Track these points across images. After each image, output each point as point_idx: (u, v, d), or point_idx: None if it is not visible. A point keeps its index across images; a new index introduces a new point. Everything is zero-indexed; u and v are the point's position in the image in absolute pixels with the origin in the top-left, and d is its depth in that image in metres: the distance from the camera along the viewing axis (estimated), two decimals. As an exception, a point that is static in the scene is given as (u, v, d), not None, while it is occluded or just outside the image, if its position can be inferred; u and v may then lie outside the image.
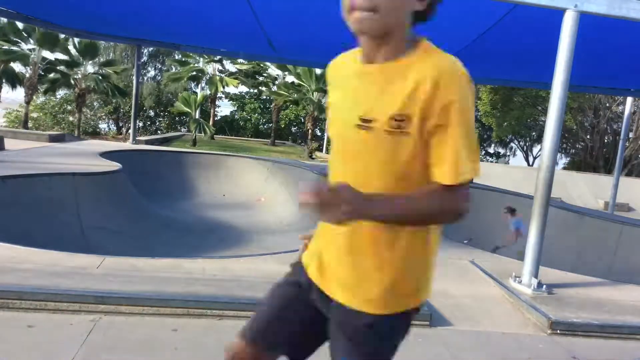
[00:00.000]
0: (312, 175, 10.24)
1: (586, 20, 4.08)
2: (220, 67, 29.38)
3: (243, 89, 36.29)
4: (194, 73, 29.01)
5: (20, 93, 24.25)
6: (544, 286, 4.22)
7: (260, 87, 34.44)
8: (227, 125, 36.74)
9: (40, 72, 23.87)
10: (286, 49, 10.94)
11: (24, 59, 22.53)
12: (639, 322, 3.71)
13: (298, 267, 1.53)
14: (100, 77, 25.16)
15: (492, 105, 29.08)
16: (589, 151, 29.27)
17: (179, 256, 4.57)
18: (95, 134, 31.41)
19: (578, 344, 3.35)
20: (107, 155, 9.36)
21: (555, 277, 4.71)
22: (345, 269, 1.30)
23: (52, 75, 24.75)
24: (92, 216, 6.78)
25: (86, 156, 8.96)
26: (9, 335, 2.66)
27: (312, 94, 25.74)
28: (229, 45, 12.41)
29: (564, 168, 31.47)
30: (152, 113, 37.92)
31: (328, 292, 1.36)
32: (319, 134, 35.19)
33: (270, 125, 34.45)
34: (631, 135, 26.11)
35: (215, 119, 32.10)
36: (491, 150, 40.07)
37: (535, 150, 35.93)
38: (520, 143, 37.45)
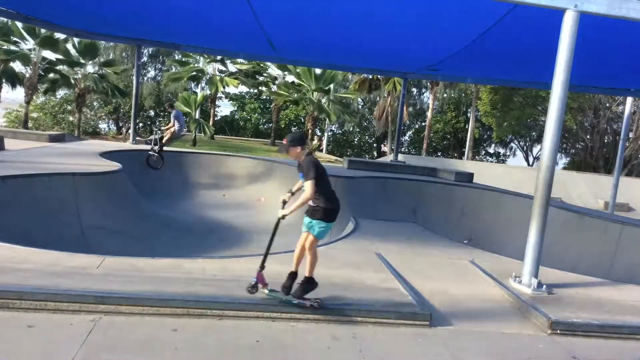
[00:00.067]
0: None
1: (586, 20, 4.09)
2: (221, 67, 29.38)
3: (243, 89, 36.32)
4: (194, 73, 29.01)
5: (20, 93, 24.26)
6: (544, 286, 4.22)
7: (260, 87, 34.45)
8: (227, 125, 36.76)
9: (40, 72, 23.88)
10: (286, 49, 10.95)
11: (24, 59, 22.53)
12: (639, 322, 3.71)
13: None
14: (100, 77, 25.17)
15: (492, 105, 29.09)
16: (589, 151, 29.27)
17: (179, 256, 4.57)
18: (95, 134, 31.42)
19: (578, 344, 3.35)
20: (107, 155, 9.36)
21: (555, 277, 4.71)
22: None
23: (52, 75, 24.76)
24: (92, 216, 6.78)
25: (86, 156, 8.95)
26: (9, 335, 2.66)
27: (312, 93, 25.73)
28: (229, 45, 12.42)
29: (564, 168, 31.47)
30: (152, 113, 37.94)
31: None
32: (319, 134, 35.22)
33: (270, 125, 34.46)
34: (631, 135, 26.11)
35: (215, 119, 32.10)
36: (491, 150, 40.09)
37: (535, 150, 35.94)
38: (520, 143, 37.47)
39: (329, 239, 7.43)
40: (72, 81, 25.39)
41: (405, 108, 20.64)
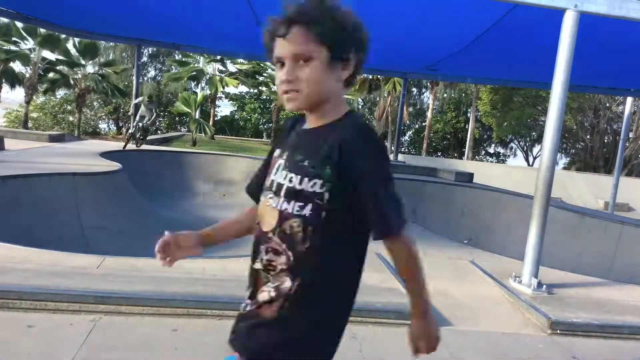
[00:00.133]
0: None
1: (586, 20, 4.09)
2: (221, 67, 29.38)
3: (243, 89, 36.30)
4: (194, 73, 29.00)
5: (20, 93, 24.26)
6: (544, 286, 4.22)
7: (260, 87, 34.45)
8: (227, 125, 36.76)
9: (40, 72, 23.88)
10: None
11: (24, 58, 22.53)
12: (639, 322, 3.71)
13: None
14: (100, 77, 25.17)
15: (492, 105, 29.09)
16: (589, 151, 29.27)
17: (179, 256, 4.55)
18: (95, 134, 31.42)
19: (578, 344, 3.35)
20: (107, 155, 9.36)
21: (555, 277, 4.71)
22: None
23: (52, 75, 24.76)
24: (92, 216, 6.78)
25: (86, 156, 8.95)
26: (9, 335, 2.66)
27: (312, 94, 25.72)
28: (229, 45, 12.41)
29: (564, 168, 31.47)
30: (152, 113, 37.85)
31: None
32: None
33: (270, 125, 34.46)
34: (631, 135, 26.11)
35: (215, 119, 32.10)
36: (491, 150, 40.09)
37: (535, 150, 35.93)
38: (520, 143, 37.46)
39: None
40: (72, 81, 25.39)
41: (405, 108, 20.64)
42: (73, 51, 24.00)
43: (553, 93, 4.19)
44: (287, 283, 1.22)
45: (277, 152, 1.38)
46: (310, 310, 1.23)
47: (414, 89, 37.75)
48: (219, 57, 27.14)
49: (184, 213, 9.37)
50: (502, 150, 39.47)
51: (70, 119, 30.85)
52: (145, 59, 36.26)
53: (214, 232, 1.67)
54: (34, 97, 26.36)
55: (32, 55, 22.71)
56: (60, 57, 23.87)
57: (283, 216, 1.22)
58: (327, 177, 1.17)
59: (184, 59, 29.42)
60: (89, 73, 25.42)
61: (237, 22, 8.31)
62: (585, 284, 4.75)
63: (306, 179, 1.19)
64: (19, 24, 19.91)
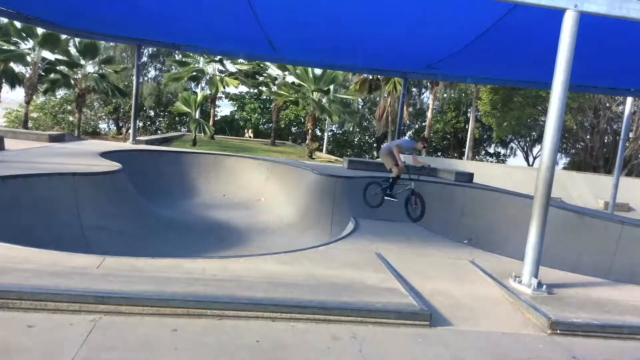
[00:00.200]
0: (312, 175, 10.25)
1: (586, 20, 4.09)
2: (221, 67, 29.39)
3: (243, 89, 36.34)
4: (194, 73, 29.03)
5: (20, 93, 24.28)
6: (544, 286, 4.22)
7: (260, 87, 34.47)
8: (227, 125, 36.78)
9: (41, 72, 23.89)
10: (286, 49, 10.95)
11: (23, 59, 22.54)
12: (639, 322, 3.71)
13: None
14: (100, 77, 25.18)
15: (492, 105, 29.10)
16: (589, 151, 29.28)
17: (179, 256, 4.57)
18: (95, 134, 31.43)
19: (578, 344, 3.35)
20: (107, 155, 9.37)
21: (555, 277, 4.71)
22: None
23: (52, 75, 24.77)
24: (92, 216, 6.79)
25: (86, 156, 8.96)
26: (9, 335, 2.66)
27: (312, 94, 25.73)
28: (229, 45, 12.42)
29: (564, 168, 31.48)
30: (152, 113, 37.96)
31: None
32: (319, 134, 35.22)
33: (270, 125, 34.47)
34: (631, 135, 26.12)
35: (215, 119, 32.11)
36: (491, 150, 40.10)
37: (535, 150, 35.95)
38: (520, 143, 37.48)
39: (329, 239, 7.45)
40: (72, 81, 25.41)
41: (405, 108, 20.65)
42: (73, 51, 24.03)
43: (553, 93, 4.19)
44: None
45: None
46: None
47: (414, 89, 37.78)
48: (218, 58, 27.17)
49: (184, 213, 9.37)
50: (502, 150, 39.51)
51: (70, 119, 30.88)
52: (145, 59, 36.29)
53: None
54: (34, 97, 26.39)
55: (31, 55, 22.72)
56: (61, 57, 23.88)
57: None
58: None
59: (184, 59, 29.45)
60: (89, 73, 25.44)
61: (238, 22, 8.31)
62: (585, 284, 4.75)
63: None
64: (17, 24, 19.92)
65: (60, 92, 29.23)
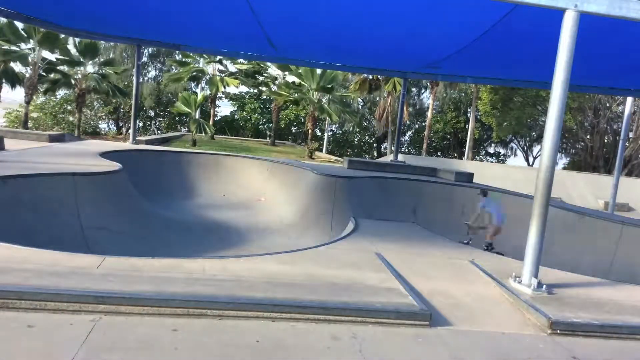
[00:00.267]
0: (312, 175, 10.25)
1: (587, 20, 4.09)
2: (221, 67, 29.40)
3: (243, 89, 36.36)
4: (194, 73, 29.03)
5: (20, 93, 24.28)
6: (544, 286, 4.22)
7: (260, 87, 34.48)
8: (227, 125, 36.79)
9: (41, 72, 23.89)
10: (286, 48, 10.95)
11: (23, 59, 22.53)
12: (639, 322, 3.71)
13: None
14: (100, 77, 25.19)
15: (492, 105, 29.11)
16: (589, 151, 29.29)
17: (179, 256, 4.57)
18: (95, 134, 31.43)
19: (578, 344, 3.35)
20: (107, 155, 9.36)
21: (555, 277, 4.71)
22: None
23: (52, 75, 24.77)
24: (92, 216, 6.78)
25: (86, 156, 8.95)
26: (9, 335, 2.66)
27: (313, 93, 25.73)
28: (229, 45, 12.42)
29: (564, 168, 31.48)
30: (152, 113, 37.97)
31: None
32: (319, 134, 35.23)
33: (270, 125, 34.48)
34: (631, 135, 26.12)
35: (215, 119, 32.11)
36: (491, 150, 40.10)
37: (535, 150, 35.95)
38: (520, 143, 37.49)
39: (329, 239, 7.45)
40: (73, 81, 25.41)
41: (405, 108, 20.66)
42: (73, 51, 24.03)
43: (553, 93, 4.19)
44: None
45: None
46: None
47: (414, 89, 37.79)
48: (218, 57, 27.18)
49: (184, 213, 9.37)
50: (502, 150, 39.52)
51: (70, 119, 30.88)
52: (145, 59, 36.29)
53: None
54: (34, 97, 26.39)
55: (32, 55, 22.73)
56: (61, 57, 23.88)
57: None
58: None
59: (184, 59, 29.46)
60: (89, 73, 25.45)
61: (237, 22, 8.32)
62: (585, 284, 4.75)
63: None
64: (18, 24, 19.92)
65: (60, 92, 29.23)
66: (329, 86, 25.17)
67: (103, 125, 36.28)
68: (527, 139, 35.72)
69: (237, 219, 9.35)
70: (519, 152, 38.26)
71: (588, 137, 29.79)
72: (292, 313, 3.24)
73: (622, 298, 4.34)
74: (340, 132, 40.47)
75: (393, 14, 7.01)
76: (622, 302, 4.20)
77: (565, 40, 4.09)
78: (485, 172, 17.77)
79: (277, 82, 31.78)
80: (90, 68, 25.60)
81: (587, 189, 19.61)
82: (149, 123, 37.28)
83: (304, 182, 10.36)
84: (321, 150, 31.81)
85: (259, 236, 8.68)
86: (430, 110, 31.47)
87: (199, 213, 9.56)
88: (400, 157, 15.14)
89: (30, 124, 26.26)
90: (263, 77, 32.51)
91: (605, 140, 28.95)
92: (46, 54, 23.70)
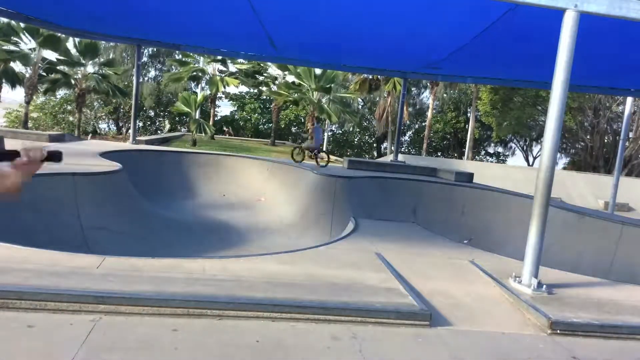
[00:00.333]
0: (312, 175, 10.25)
1: (587, 20, 4.09)
2: (221, 67, 29.39)
3: (243, 89, 36.35)
4: (194, 73, 29.02)
5: (20, 93, 24.28)
6: (544, 286, 4.22)
7: (260, 87, 34.48)
8: (227, 125, 36.80)
9: (41, 72, 23.89)
10: (287, 48, 10.95)
11: (24, 59, 22.53)
12: (639, 322, 3.71)
13: None
14: (100, 77, 25.19)
15: (492, 105, 29.11)
16: (589, 151, 29.29)
17: (179, 256, 4.57)
18: (95, 133, 31.43)
19: (578, 344, 3.35)
20: (107, 155, 9.37)
21: (555, 277, 4.71)
22: None
23: (52, 75, 24.77)
24: (92, 216, 6.79)
25: (86, 156, 8.95)
26: (9, 335, 2.66)
27: (312, 93, 25.73)
28: (230, 45, 12.42)
29: (564, 168, 31.48)
30: (152, 113, 37.97)
31: None
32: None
33: (270, 125, 34.47)
34: (631, 135, 26.12)
35: (215, 119, 32.11)
36: (491, 150, 40.10)
37: (535, 150, 35.95)
38: (520, 143, 37.49)
39: (329, 239, 7.45)
40: (73, 81, 25.42)
41: (405, 108, 20.66)
42: (73, 51, 24.03)
43: (553, 93, 4.19)
44: None
45: None
46: None
47: (414, 89, 37.78)
48: (219, 57, 27.18)
49: (184, 213, 9.38)
50: (502, 150, 39.52)
51: (70, 119, 30.88)
52: (145, 59, 36.29)
53: None
54: (34, 97, 26.39)
55: (32, 55, 22.73)
56: (61, 57, 23.88)
57: None
58: None
59: (184, 59, 29.45)
60: (89, 73, 25.45)
61: (238, 22, 8.32)
62: (585, 284, 4.76)
63: None
64: (20, 24, 19.92)
65: (60, 92, 29.24)
66: (328, 86, 25.16)
67: (103, 125, 36.32)
68: (527, 139, 35.73)
69: (237, 219, 9.35)
70: (518, 152, 38.29)
71: (588, 137, 29.79)
72: (292, 313, 3.24)
73: (622, 298, 4.34)
74: (340, 132, 40.47)
75: (393, 14, 7.01)
76: (622, 302, 4.20)
77: (565, 40, 4.09)
78: (485, 172, 17.76)
79: (277, 82, 31.77)
80: (90, 68, 25.61)
81: (587, 189, 19.60)
82: (148, 123, 37.28)
83: (304, 182, 10.36)
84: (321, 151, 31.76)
85: (259, 236, 8.68)
86: (430, 110, 31.47)
87: (199, 213, 9.56)
88: (400, 157, 15.14)
89: (30, 124, 26.27)
90: (263, 77, 32.51)
91: (605, 140, 28.95)
92: (46, 54, 23.72)
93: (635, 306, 4.12)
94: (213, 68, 29.32)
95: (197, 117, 25.87)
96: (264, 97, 37.27)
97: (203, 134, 26.40)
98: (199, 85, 32.65)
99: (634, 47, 6.96)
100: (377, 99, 33.60)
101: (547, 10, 4.12)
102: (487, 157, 39.62)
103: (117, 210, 7.53)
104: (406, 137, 39.77)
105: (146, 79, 37.62)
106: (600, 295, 4.32)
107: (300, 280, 3.85)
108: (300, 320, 3.21)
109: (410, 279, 4.21)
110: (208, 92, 29.34)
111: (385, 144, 36.56)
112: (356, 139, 41.15)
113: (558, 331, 3.47)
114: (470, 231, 9.06)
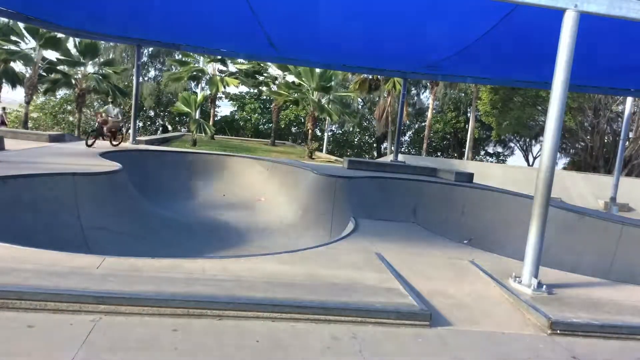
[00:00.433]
0: (312, 176, 10.25)
1: (587, 20, 4.09)
2: (221, 67, 29.39)
3: (243, 89, 36.36)
4: (194, 73, 29.02)
5: (20, 93, 24.28)
6: (544, 286, 4.22)
7: (260, 87, 34.48)
8: (227, 125, 36.80)
9: (41, 72, 23.89)
10: (286, 48, 10.95)
11: (24, 58, 22.53)
12: (639, 322, 3.71)
13: None
14: (100, 77, 25.20)
15: (492, 105, 29.12)
16: (589, 151, 29.29)
17: (179, 256, 4.57)
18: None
19: (578, 344, 3.35)
20: (107, 155, 9.37)
21: (555, 277, 4.71)
22: None
23: (52, 75, 24.78)
24: (92, 216, 6.79)
25: (86, 156, 8.96)
26: (9, 335, 2.66)
27: (312, 93, 25.73)
28: (229, 45, 12.42)
29: (564, 168, 31.48)
30: (152, 113, 37.97)
31: None
32: (319, 134, 35.23)
33: (270, 125, 34.48)
34: (631, 135, 26.12)
35: (215, 119, 32.10)
36: (491, 150, 40.10)
37: (535, 150, 35.95)
38: (520, 143, 37.49)
39: (329, 239, 7.45)
40: (73, 81, 25.43)
41: (405, 108, 20.65)
42: (73, 51, 24.04)
43: (553, 93, 4.19)
44: None
45: None
46: None
47: (414, 89, 37.78)
48: (219, 57, 27.18)
49: (184, 213, 9.37)
50: (501, 150, 39.53)
51: (70, 119, 30.89)
52: (145, 59, 36.28)
53: None
54: (34, 97, 26.39)
55: (32, 55, 22.73)
56: (61, 57, 23.89)
57: None
58: None
59: (184, 59, 29.46)
60: (89, 73, 25.46)
61: (237, 22, 8.32)
62: (585, 284, 4.75)
63: None
64: (21, 24, 19.92)
65: (60, 92, 29.25)
66: (328, 86, 25.16)
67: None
68: (527, 139, 35.73)
69: (237, 219, 9.35)
70: (518, 152, 38.29)
71: (588, 137, 29.79)
72: (292, 313, 3.24)
73: (622, 298, 4.34)
74: (340, 132, 40.48)
75: (393, 14, 7.01)
76: (622, 302, 4.20)
77: (565, 40, 4.09)
78: (485, 172, 17.77)
79: (277, 82, 31.77)
80: (90, 68, 25.61)
81: (587, 189, 19.60)
82: (148, 123, 37.28)
83: (304, 182, 10.36)
84: (321, 151, 31.80)
85: (259, 236, 8.68)
86: (430, 110, 31.47)
87: (199, 213, 9.56)
88: (400, 157, 15.14)
89: (30, 124, 26.28)
90: (263, 77, 32.50)
91: (605, 140, 28.95)
92: (47, 53, 23.73)
93: (635, 306, 4.12)
94: (213, 68, 29.32)
95: (197, 117, 25.87)
96: (264, 97, 37.29)
97: (203, 134, 26.39)
98: (199, 85, 32.66)
99: (634, 47, 6.96)
100: (377, 99, 33.61)
101: (547, 10, 4.12)
102: (487, 157, 39.62)
103: (117, 210, 7.52)
104: (406, 137, 39.78)
105: (146, 79, 37.62)
106: (600, 296, 4.32)
107: (300, 280, 3.85)
108: (300, 321, 3.21)
109: (410, 279, 4.21)
110: (208, 92, 29.33)
111: (385, 144, 36.57)
112: (356, 139, 41.16)
113: (558, 331, 3.47)
114: (470, 231, 9.06)
